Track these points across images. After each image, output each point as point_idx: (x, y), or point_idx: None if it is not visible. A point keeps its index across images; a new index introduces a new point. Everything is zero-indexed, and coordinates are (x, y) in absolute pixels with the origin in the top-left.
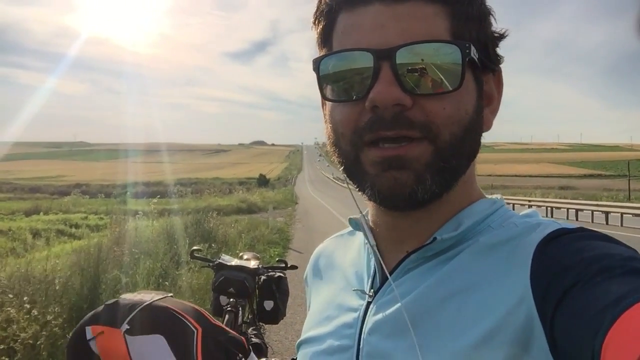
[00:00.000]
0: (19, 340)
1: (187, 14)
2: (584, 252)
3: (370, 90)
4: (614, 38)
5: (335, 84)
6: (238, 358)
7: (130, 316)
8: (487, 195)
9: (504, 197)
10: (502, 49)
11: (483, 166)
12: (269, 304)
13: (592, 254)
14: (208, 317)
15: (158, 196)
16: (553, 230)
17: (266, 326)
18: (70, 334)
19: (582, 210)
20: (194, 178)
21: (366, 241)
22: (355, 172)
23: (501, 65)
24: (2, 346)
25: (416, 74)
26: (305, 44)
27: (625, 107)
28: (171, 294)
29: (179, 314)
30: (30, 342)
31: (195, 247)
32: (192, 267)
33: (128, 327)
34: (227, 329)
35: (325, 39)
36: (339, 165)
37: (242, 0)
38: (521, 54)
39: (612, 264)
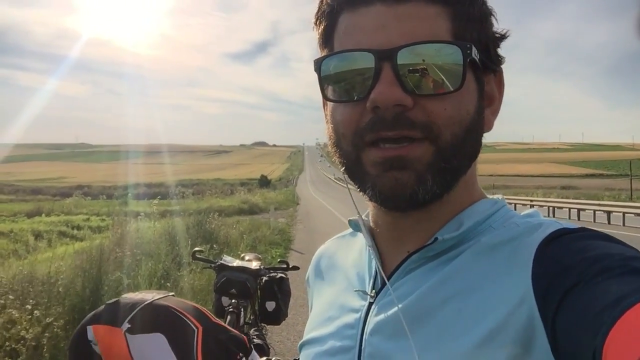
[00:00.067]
0: (21, 342)
1: (187, 15)
2: (586, 252)
3: (371, 91)
4: (615, 37)
5: (337, 84)
6: (239, 357)
7: (131, 315)
8: (488, 196)
9: (505, 197)
10: (503, 49)
11: (484, 166)
12: (270, 305)
13: (594, 253)
14: (209, 315)
15: (159, 197)
16: (554, 230)
17: (268, 327)
18: (72, 334)
19: (584, 210)
20: (195, 179)
21: (368, 244)
22: (356, 172)
23: (502, 65)
24: (6, 347)
25: (417, 74)
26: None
27: (627, 106)
28: (172, 293)
29: (180, 312)
30: (33, 343)
31: (196, 248)
32: (193, 268)
33: (129, 326)
34: (228, 327)
35: (326, 40)
36: (340, 166)
37: (243, 1)
38: (522, 53)
39: (614, 263)
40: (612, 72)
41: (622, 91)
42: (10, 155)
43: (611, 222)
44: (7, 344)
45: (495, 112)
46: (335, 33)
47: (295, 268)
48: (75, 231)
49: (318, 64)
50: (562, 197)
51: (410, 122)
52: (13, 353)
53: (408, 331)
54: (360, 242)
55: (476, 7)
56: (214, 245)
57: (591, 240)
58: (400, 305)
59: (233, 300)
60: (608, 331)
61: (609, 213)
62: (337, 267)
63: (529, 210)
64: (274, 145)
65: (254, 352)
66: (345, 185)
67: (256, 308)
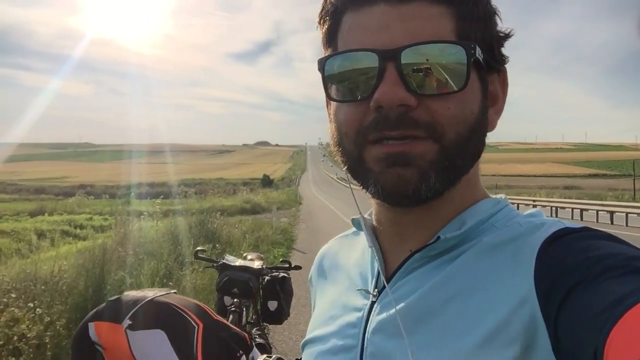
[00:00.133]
0: (24, 340)
1: (190, 15)
2: (588, 252)
3: (375, 91)
4: (618, 37)
5: (340, 84)
6: (239, 354)
7: (132, 312)
8: (491, 195)
9: (508, 197)
10: (506, 48)
11: (487, 166)
12: (272, 305)
13: (596, 253)
14: (210, 313)
15: (162, 197)
16: (557, 230)
17: (270, 326)
18: (75, 332)
19: (587, 210)
20: (198, 179)
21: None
22: (358, 170)
23: (506, 65)
24: (9, 346)
25: (421, 74)
26: (309, 44)
27: (630, 106)
28: (174, 291)
29: (181, 309)
30: (36, 342)
31: (199, 248)
32: (196, 268)
33: (130, 323)
34: (229, 325)
35: (330, 39)
36: (342, 165)
37: (246, 1)
38: (525, 53)
39: (616, 263)
40: (615, 72)
41: (625, 91)
42: (14, 154)
43: (614, 222)
44: (10, 342)
45: (498, 112)
46: (339, 32)
47: (298, 267)
48: (78, 230)
49: (322, 64)
50: (564, 197)
51: (414, 121)
52: (16, 351)
53: (404, 331)
54: (363, 241)
55: (480, 6)
56: (217, 245)
57: (594, 240)
58: (400, 305)
59: (235, 300)
60: (610, 330)
61: (612, 213)
62: (339, 266)
63: (531, 210)
64: (277, 145)
65: (255, 349)
66: (346, 185)
67: (258, 307)
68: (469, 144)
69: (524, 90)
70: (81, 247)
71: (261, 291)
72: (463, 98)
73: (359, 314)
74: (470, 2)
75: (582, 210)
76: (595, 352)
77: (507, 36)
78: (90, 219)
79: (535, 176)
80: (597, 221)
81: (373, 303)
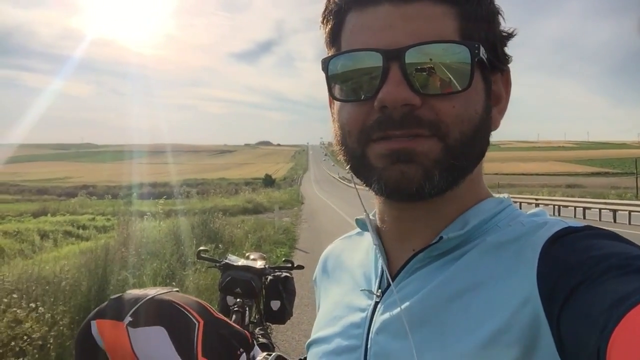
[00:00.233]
0: (27, 341)
1: (191, 15)
2: (591, 251)
3: (379, 90)
4: (620, 36)
5: (344, 83)
6: (239, 352)
7: (134, 309)
8: (494, 195)
9: (510, 196)
10: (508, 47)
11: (489, 165)
12: (275, 304)
13: (599, 252)
14: (212, 311)
15: (164, 197)
16: (560, 229)
17: (273, 326)
18: (78, 330)
19: (589, 208)
20: (200, 179)
21: (374, 242)
22: (361, 167)
23: (509, 65)
24: (13, 346)
25: (425, 74)
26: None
27: (632, 104)
28: (176, 289)
29: (181, 306)
30: (39, 342)
31: (201, 248)
32: (198, 268)
33: (131, 320)
34: (230, 323)
35: (334, 39)
36: (345, 164)
37: (247, 1)
38: (527, 51)
39: (619, 262)
40: (617, 71)
41: (627, 89)
42: (16, 155)
43: (617, 221)
44: (14, 342)
45: (502, 111)
46: (343, 32)
47: (300, 267)
48: (80, 231)
49: (325, 63)
50: (567, 196)
51: (418, 120)
52: (20, 352)
53: (409, 331)
54: (367, 242)
55: (483, 6)
56: (219, 245)
57: (596, 239)
58: (404, 305)
59: (238, 300)
60: (612, 330)
61: (614, 211)
62: (343, 266)
63: (535, 210)
64: (279, 145)
65: (256, 347)
66: (349, 185)
67: (261, 307)
68: (474, 143)
69: (526, 89)
70: (84, 248)
71: (264, 291)
72: (467, 98)
73: (363, 314)
74: (474, 2)
75: (584, 208)
76: (598, 351)
77: (510, 35)
78: (93, 219)
79: (537, 175)
80: (600, 219)
81: (377, 303)
